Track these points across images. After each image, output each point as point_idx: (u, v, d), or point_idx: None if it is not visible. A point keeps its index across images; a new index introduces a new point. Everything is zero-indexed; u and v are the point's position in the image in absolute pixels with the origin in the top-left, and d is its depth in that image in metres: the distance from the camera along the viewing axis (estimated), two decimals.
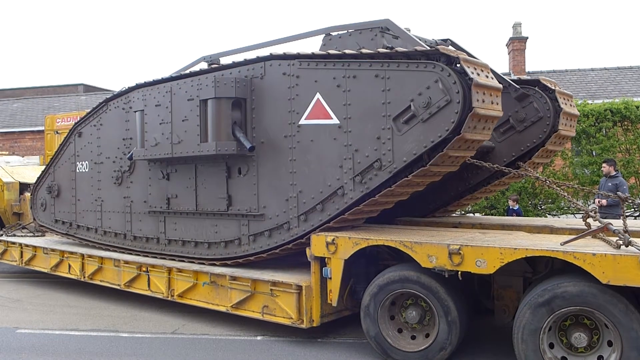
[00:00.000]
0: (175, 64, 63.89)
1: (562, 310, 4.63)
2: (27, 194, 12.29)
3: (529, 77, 7.14)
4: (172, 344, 6.43)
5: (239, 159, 6.88)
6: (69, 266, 9.22)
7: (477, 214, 12.21)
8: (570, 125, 7.02)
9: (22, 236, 10.92)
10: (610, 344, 4.55)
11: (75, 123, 9.46)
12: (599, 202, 9.72)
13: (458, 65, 5.23)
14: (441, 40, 7.17)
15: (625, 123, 12.26)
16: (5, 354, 6.17)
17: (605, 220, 5.00)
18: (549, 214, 12.59)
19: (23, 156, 16.55)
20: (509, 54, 23.62)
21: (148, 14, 68.44)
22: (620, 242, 4.45)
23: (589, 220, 5.12)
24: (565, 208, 12.35)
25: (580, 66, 23.49)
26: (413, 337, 5.65)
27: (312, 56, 6.23)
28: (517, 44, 22.93)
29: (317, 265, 6.08)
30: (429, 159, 5.43)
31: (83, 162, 9.20)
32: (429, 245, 5.23)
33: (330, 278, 5.94)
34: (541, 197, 12.54)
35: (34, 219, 10.45)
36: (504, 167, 6.36)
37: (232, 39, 66.90)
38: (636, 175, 12.17)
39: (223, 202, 7.08)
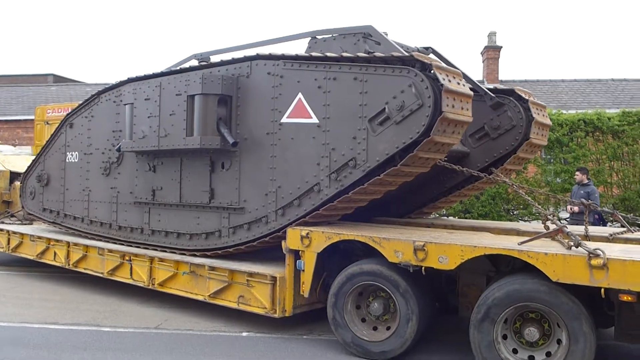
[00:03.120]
0: (156, 57, 63.59)
1: (501, 315, 4.91)
2: (17, 183, 12.49)
3: (504, 87, 7.43)
4: (156, 339, 6.45)
5: (222, 153, 7.13)
6: (55, 254, 9.43)
7: (450, 217, 12.51)
8: (542, 135, 7.31)
9: (10, 224, 11.11)
10: (559, 325, 4.81)
11: (67, 114, 9.69)
12: (570, 209, 10.03)
13: (431, 71, 5.52)
14: (423, 47, 7.44)
15: (597, 134, 12.66)
16: None
17: (560, 223, 5.28)
18: (521, 219, 12.92)
19: (15, 145, 16.71)
20: (483, 62, 24.06)
21: (121, 4, 67.72)
22: (571, 243, 4.73)
23: (548, 223, 5.40)
24: (537, 214, 12.68)
25: (551, 77, 24.08)
26: (388, 328, 5.85)
27: (296, 57, 6.50)
28: (492, 52, 23.38)
29: (291, 258, 6.33)
30: (401, 159, 5.70)
31: (73, 153, 9.42)
32: (396, 242, 5.50)
33: (304, 270, 6.19)
34: (514, 202, 12.89)
35: (23, 207, 10.64)
36: (474, 172, 6.64)
37: (215, 34, 66.75)
38: (605, 185, 12.54)
39: (206, 195, 7.32)
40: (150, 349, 6.13)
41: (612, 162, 12.87)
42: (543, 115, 7.32)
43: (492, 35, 23.76)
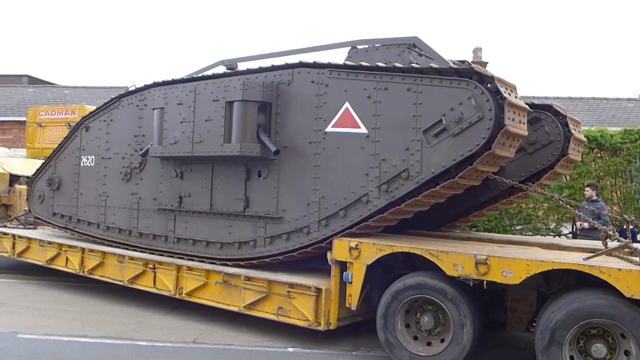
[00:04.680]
0: (132, 61, 62.56)
1: (566, 337, 4.90)
2: (17, 186, 12.11)
3: (540, 103, 7.47)
4: (199, 355, 6.17)
5: (259, 161, 6.99)
6: (67, 260, 9.11)
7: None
8: (578, 150, 7.37)
9: (12, 227, 10.73)
10: (624, 336, 4.81)
11: (83, 117, 9.42)
12: (580, 225, 10.11)
13: (489, 84, 5.51)
14: (459, 61, 7.46)
15: (595, 150, 12.87)
16: None
17: (625, 240, 5.30)
18: (525, 234, 13.00)
19: (10, 148, 16.23)
20: None
21: (97, 6, 66.35)
22: None
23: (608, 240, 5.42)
24: (537, 229, 12.81)
25: (535, 94, 24.44)
26: (443, 340, 5.76)
27: (344, 66, 6.43)
28: None
29: (337, 269, 6.21)
30: (456, 172, 5.66)
31: (89, 157, 9.16)
32: (456, 255, 5.43)
33: (351, 282, 6.07)
34: (518, 218, 12.98)
35: (29, 211, 10.29)
36: (522, 185, 6.62)
37: (200, 40, 66.32)
38: (607, 202, 12.71)
39: (240, 204, 7.16)
40: None
41: (614, 179, 13.07)
42: (579, 132, 7.39)
43: (477, 51, 24.11)
